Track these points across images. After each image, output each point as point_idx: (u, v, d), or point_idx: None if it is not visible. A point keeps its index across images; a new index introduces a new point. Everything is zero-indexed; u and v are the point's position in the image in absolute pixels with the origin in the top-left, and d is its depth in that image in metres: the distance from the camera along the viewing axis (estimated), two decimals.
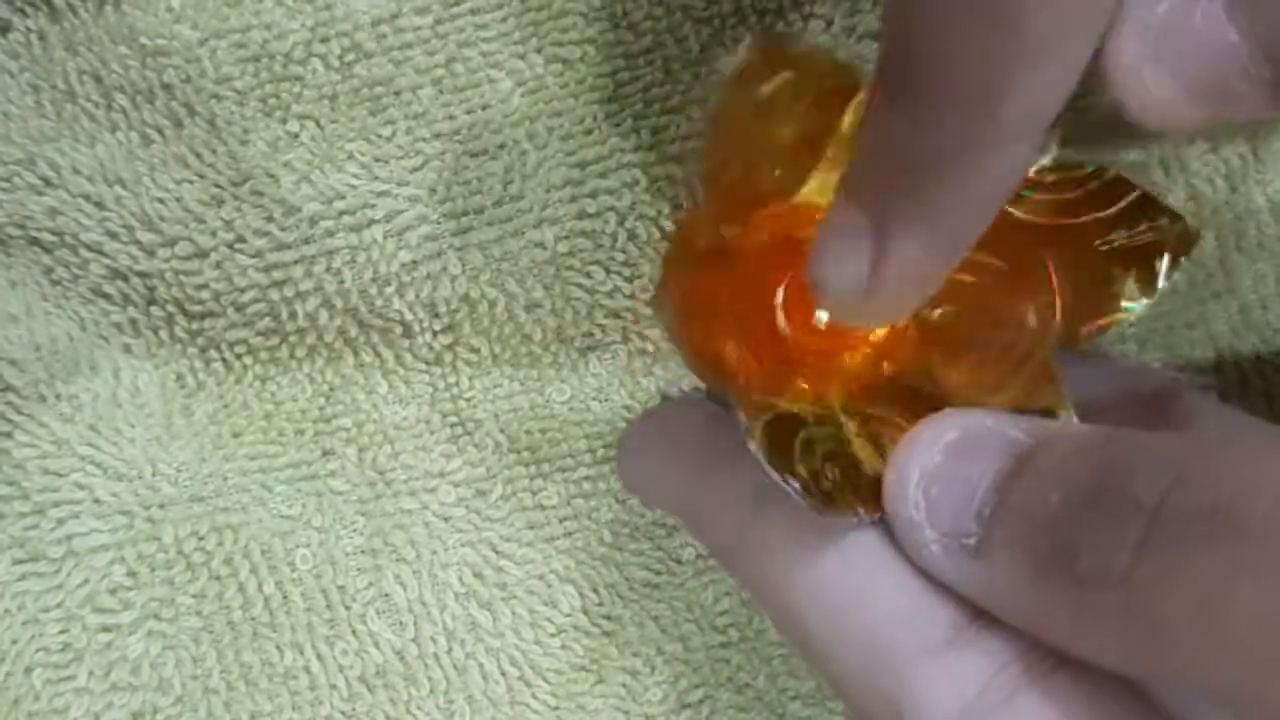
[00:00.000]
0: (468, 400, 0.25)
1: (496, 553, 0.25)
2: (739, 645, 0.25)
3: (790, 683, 0.26)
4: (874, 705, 0.19)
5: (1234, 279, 0.24)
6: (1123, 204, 0.20)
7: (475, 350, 0.25)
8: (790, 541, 0.20)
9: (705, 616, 0.25)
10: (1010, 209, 0.21)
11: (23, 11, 0.25)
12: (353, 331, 0.25)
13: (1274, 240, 0.24)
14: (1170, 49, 0.18)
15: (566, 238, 0.24)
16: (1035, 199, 0.21)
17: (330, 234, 0.24)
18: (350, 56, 0.24)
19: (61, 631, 0.25)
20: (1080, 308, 0.21)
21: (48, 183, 0.25)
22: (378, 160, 0.24)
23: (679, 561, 0.25)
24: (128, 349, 0.26)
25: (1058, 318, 0.21)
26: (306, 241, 0.24)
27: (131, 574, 0.25)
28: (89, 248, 0.25)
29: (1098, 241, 0.21)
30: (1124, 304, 0.20)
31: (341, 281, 0.25)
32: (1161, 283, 0.20)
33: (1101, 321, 0.21)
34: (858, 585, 0.19)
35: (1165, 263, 0.20)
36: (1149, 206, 0.20)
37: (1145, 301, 0.20)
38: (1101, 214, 0.21)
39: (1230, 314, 0.24)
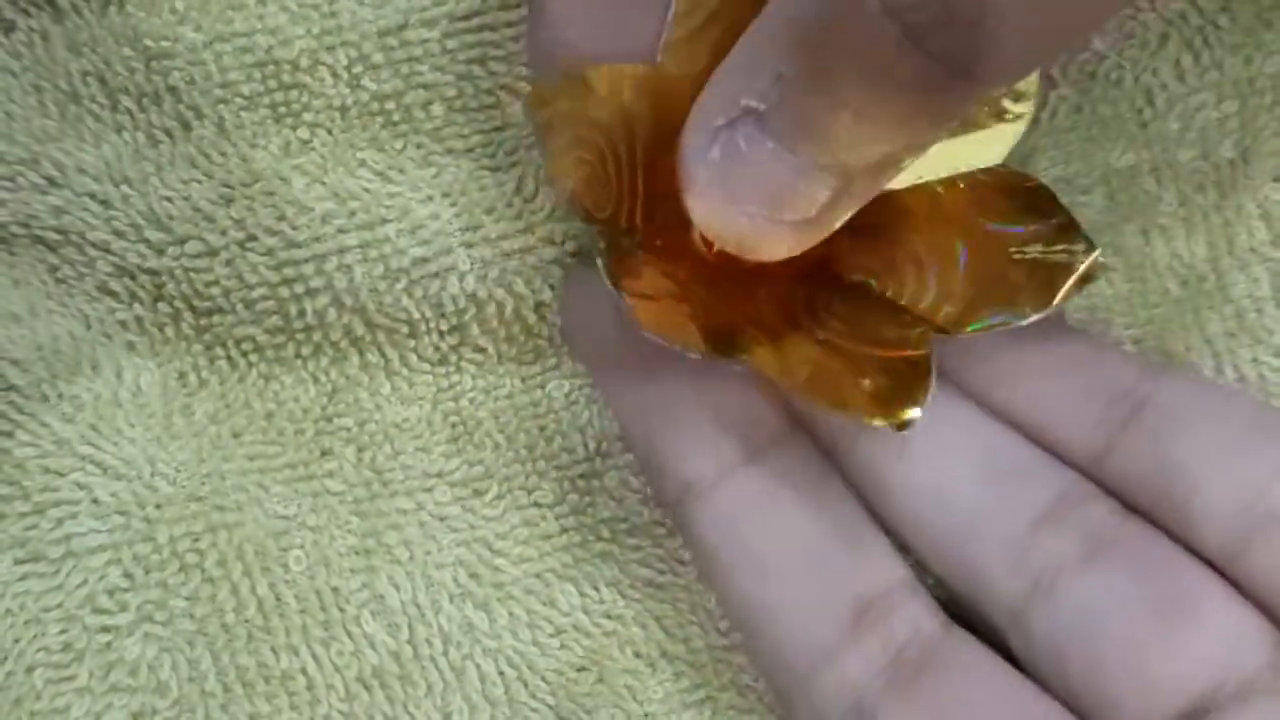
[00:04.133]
0: (470, 400, 0.26)
1: (492, 551, 0.26)
2: (743, 647, 0.26)
3: None
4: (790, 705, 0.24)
5: (1227, 284, 0.25)
6: (1049, 222, 0.22)
7: (481, 350, 0.26)
8: (721, 542, 0.24)
9: (709, 619, 0.26)
10: (941, 191, 0.22)
11: (26, 12, 0.26)
12: (359, 330, 0.26)
13: (1265, 245, 0.24)
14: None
15: (576, 236, 0.25)
16: (968, 191, 0.22)
17: (343, 231, 0.25)
18: (358, 68, 0.25)
19: (62, 632, 0.25)
20: (976, 304, 0.22)
21: (52, 182, 0.25)
22: (391, 168, 0.25)
23: (681, 562, 0.26)
24: (131, 346, 0.26)
25: (951, 304, 0.22)
26: (318, 239, 0.25)
27: (127, 575, 0.25)
28: (95, 246, 0.26)
29: (1012, 249, 0.22)
30: (1017, 312, 0.22)
31: (351, 278, 0.25)
32: (1056, 303, 0.22)
33: (990, 322, 0.22)
34: (768, 599, 0.23)
35: (1068, 286, 0.22)
36: (1070, 230, 0.22)
37: (1035, 316, 0.22)
38: (1025, 226, 0.22)
39: (1225, 318, 0.25)
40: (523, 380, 0.26)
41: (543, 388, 0.26)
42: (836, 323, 0.23)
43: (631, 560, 0.26)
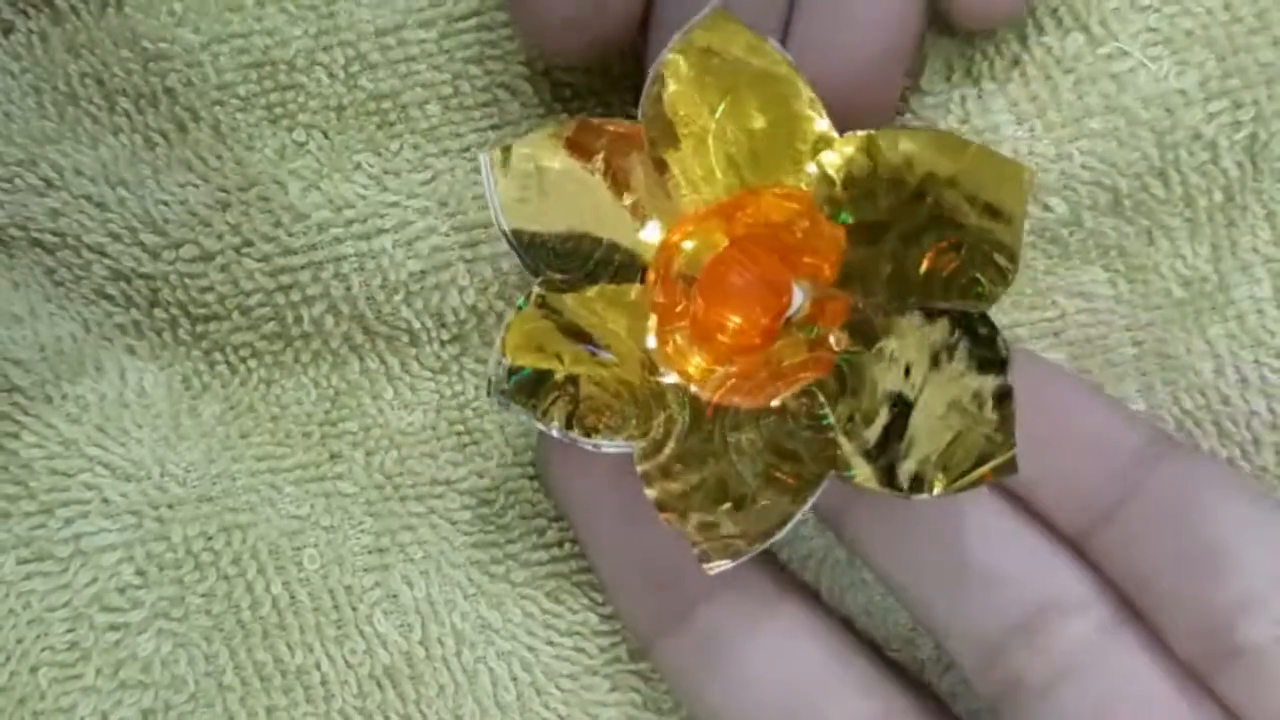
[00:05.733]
0: (474, 410, 0.26)
1: (504, 554, 0.26)
2: None
3: None
4: None
5: (1228, 285, 0.25)
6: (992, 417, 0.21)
7: (482, 361, 0.26)
8: (675, 686, 0.24)
9: None
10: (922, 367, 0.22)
11: (25, 13, 0.26)
12: (358, 338, 0.26)
13: (1268, 245, 0.25)
14: None
15: None
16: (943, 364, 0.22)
17: (339, 240, 0.25)
18: (355, 67, 0.25)
19: (68, 630, 0.26)
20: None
21: (49, 184, 0.26)
22: (387, 172, 0.25)
23: None
24: (131, 350, 0.27)
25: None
26: (314, 248, 0.25)
27: (140, 573, 0.26)
28: (91, 249, 0.26)
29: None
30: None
31: (349, 288, 0.26)
32: (952, 492, 0.21)
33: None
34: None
35: (970, 478, 0.21)
36: (1005, 426, 0.21)
37: (931, 495, 0.21)
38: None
39: (1227, 320, 0.25)
40: None
41: None
42: (754, 435, 0.22)
43: None
